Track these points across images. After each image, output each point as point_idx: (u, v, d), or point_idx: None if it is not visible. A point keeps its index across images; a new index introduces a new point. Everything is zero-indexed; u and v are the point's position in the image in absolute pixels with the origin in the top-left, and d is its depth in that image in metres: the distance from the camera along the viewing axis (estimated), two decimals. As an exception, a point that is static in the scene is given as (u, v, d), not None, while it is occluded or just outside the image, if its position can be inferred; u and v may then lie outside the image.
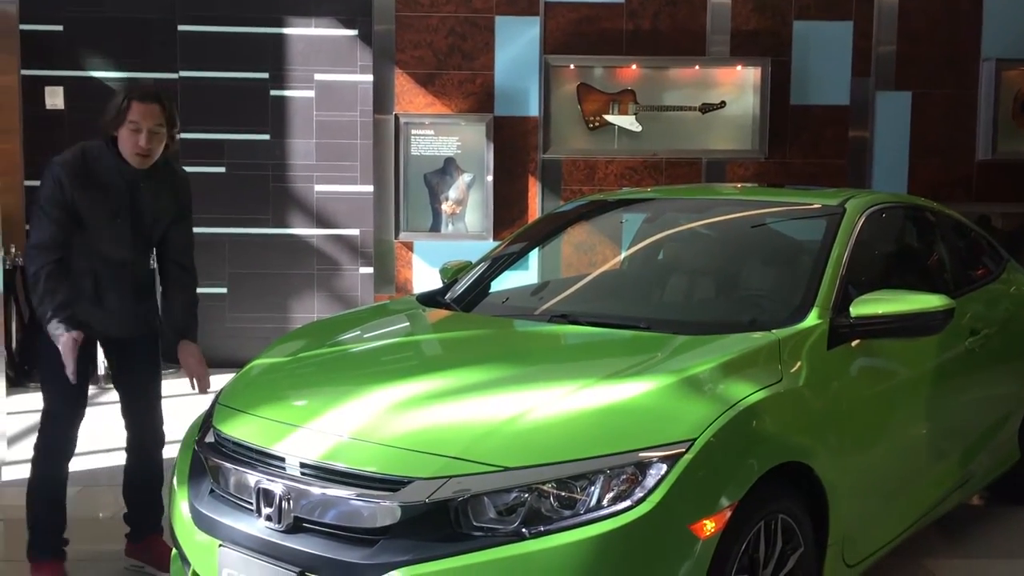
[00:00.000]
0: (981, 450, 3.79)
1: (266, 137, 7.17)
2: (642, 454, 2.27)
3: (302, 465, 2.42)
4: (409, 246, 7.15)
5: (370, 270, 7.20)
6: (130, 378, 3.48)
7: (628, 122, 7.04)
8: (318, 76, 7.15)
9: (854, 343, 2.96)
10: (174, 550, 2.86)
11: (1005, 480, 4.20)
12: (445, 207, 7.20)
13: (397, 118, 7.03)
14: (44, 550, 3.31)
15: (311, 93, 7.16)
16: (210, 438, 2.75)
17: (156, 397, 3.56)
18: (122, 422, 3.50)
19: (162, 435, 3.58)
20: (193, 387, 3.42)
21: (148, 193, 3.35)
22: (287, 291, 7.27)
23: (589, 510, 2.22)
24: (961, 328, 3.61)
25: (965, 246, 4.23)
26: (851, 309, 2.93)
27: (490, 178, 7.07)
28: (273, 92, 7.13)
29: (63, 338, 3.09)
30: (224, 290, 7.19)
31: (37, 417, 3.31)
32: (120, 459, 3.55)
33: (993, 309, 3.99)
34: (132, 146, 3.22)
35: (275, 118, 7.15)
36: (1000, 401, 3.96)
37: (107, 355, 3.50)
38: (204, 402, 3.10)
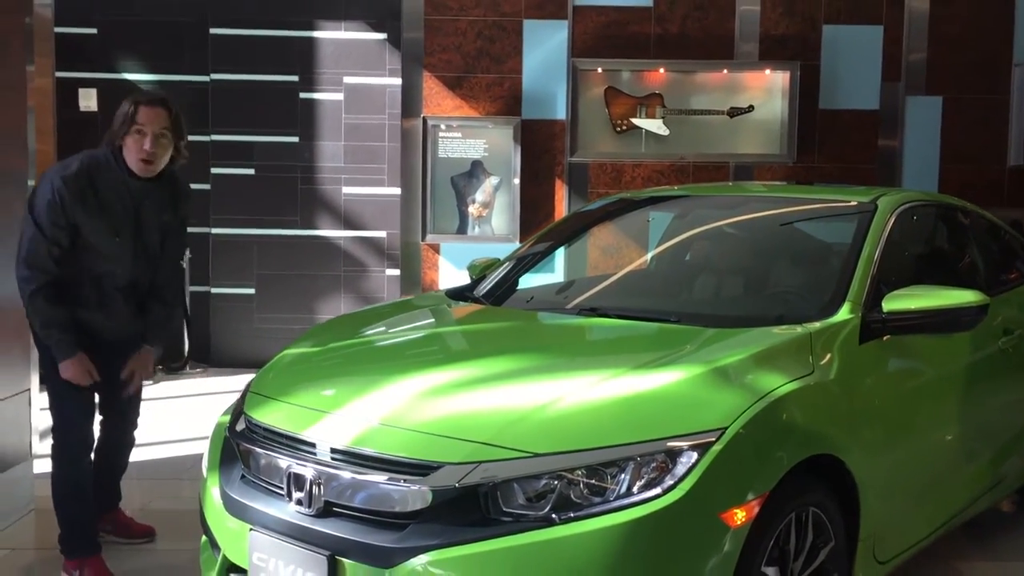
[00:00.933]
0: (1013, 453, 3.75)
1: (295, 139, 7.23)
2: (672, 442, 2.27)
3: (332, 450, 2.44)
4: (436, 248, 7.17)
5: (396, 272, 7.23)
6: (116, 375, 3.43)
7: (655, 126, 7.04)
8: (347, 79, 7.20)
9: (886, 339, 2.94)
10: (203, 538, 2.88)
11: (1038, 484, 4.15)
12: (472, 210, 7.22)
13: (425, 121, 7.07)
14: (78, 546, 3.34)
15: (340, 96, 7.22)
16: (241, 425, 2.77)
17: (137, 397, 3.59)
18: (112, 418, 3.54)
19: (133, 438, 3.63)
20: (122, 387, 3.42)
21: (152, 210, 3.33)
22: (314, 292, 7.31)
23: (619, 497, 2.21)
24: (994, 328, 3.57)
25: (998, 247, 4.19)
26: (883, 304, 2.91)
27: (517, 181, 7.08)
28: (303, 95, 7.19)
29: (72, 365, 3.16)
30: (252, 291, 7.25)
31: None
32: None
33: (1026, 310, 3.95)
34: (137, 151, 3.21)
35: (304, 120, 7.21)
36: (1033, 403, 3.91)
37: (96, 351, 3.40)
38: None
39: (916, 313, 2.88)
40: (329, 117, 7.24)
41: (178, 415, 5.71)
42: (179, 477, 4.49)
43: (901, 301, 2.90)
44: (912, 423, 3.02)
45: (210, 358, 7.20)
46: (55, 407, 3.31)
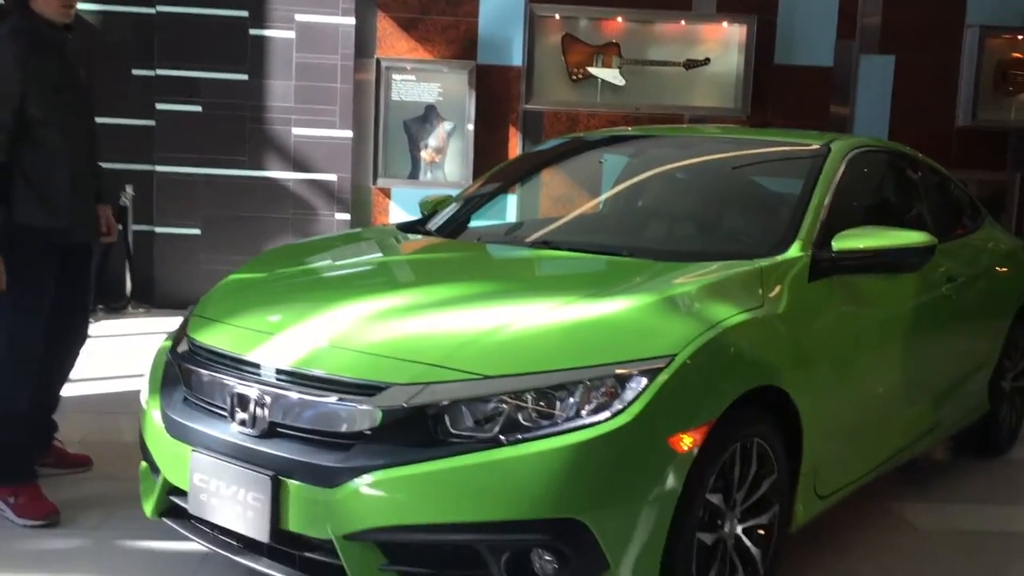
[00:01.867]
0: (952, 398, 3.83)
1: (244, 77, 7.04)
2: (622, 367, 2.26)
3: (278, 371, 2.40)
4: (387, 193, 7.09)
5: (347, 216, 7.13)
6: (68, 291, 3.31)
7: (612, 75, 7.00)
8: (299, 16, 7.02)
9: (835, 277, 2.96)
10: (143, 464, 2.82)
11: (973, 431, 4.26)
12: (424, 155, 7.14)
13: (378, 62, 6.94)
14: (13, 472, 3.24)
15: (291, 34, 7.03)
16: (184, 347, 2.71)
17: (84, 317, 3.49)
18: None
19: (70, 368, 3.52)
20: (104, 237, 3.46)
21: (76, 65, 3.24)
22: (262, 235, 7.17)
23: (567, 420, 2.20)
24: (939, 276, 3.63)
25: (946, 197, 4.25)
26: (833, 243, 2.93)
27: (471, 127, 7.01)
28: (252, 31, 6.99)
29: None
30: (198, 231, 7.09)
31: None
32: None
33: (971, 261, 4.02)
34: None
35: (254, 58, 7.02)
36: (973, 351, 4.00)
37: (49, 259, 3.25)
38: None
39: (865, 252, 2.91)
40: (280, 55, 7.06)
41: (118, 353, 5.59)
42: (118, 411, 4.39)
43: (850, 240, 2.92)
44: (857, 362, 3.06)
45: (153, 299, 7.05)
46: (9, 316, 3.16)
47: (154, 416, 2.66)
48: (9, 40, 3.06)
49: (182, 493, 2.54)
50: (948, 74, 7.18)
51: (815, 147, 3.40)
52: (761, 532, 2.61)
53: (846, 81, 7.16)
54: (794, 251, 2.90)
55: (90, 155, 3.35)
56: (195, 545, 2.74)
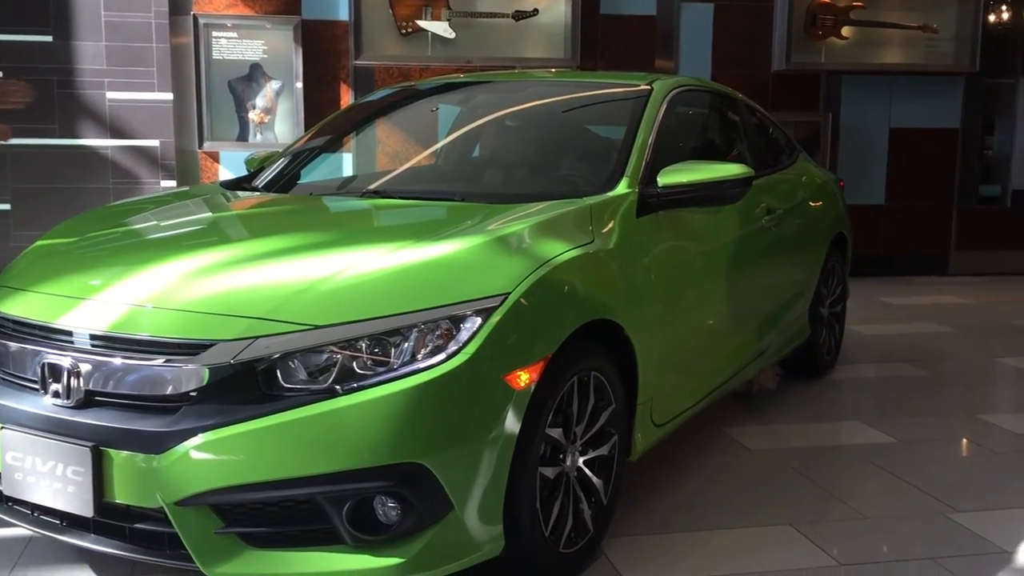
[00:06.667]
0: (775, 326, 4.03)
1: (48, 39, 6.54)
2: (456, 309, 2.24)
3: (92, 337, 2.25)
4: (215, 157, 6.79)
5: (173, 183, 6.78)
6: None
7: (441, 28, 6.92)
8: (105, -28, 6.58)
9: (661, 213, 3.04)
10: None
11: (797, 356, 4.51)
12: (253, 116, 6.88)
13: (196, 19, 6.61)
14: None
15: (98, -10, 6.59)
16: (-13, 320, 2.51)
17: None
18: None
19: None
20: None
21: None
22: (79, 207, 6.72)
23: (403, 365, 2.17)
24: (760, 208, 3.79)
25: (762, 134, 4.44)
26: (658, 179, 3.00)
27: (300, 85, 6.80)
28: (54, -12, 6.51)
29: None
30: (7, 207, 6.59)
31: None
32: None
33: (787, 195, 4.22)
34: None
35: (58, 17, 6.53)
36: (792, 281, 4.21)
37: None
38: None
39: (688, 186, 3.00)
40: (86, 14, 6.59)
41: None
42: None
43: (674, 175, 3.00)
44: (686, 294, 3.16)
45: (-39, 281, 6.53)
46: None
47: (-42, 395, 2.45)
48: None
49: (-6, 475, 2.36)
50: (763, 20, 7.48)
51: (638, 87, 3.47)
52: (602, 462, 2.67)
53: (669, 29, 7.35)
54: (621, 188, 2.96)
55: None
56: (17, 529, 2.56)
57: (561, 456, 2.51)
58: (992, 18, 8.12)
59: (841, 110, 7.74)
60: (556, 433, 2.45)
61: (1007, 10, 8.19)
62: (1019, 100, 8.24)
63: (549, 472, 2.44)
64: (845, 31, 7.53)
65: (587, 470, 2.61)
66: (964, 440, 3.86)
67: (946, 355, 5.30)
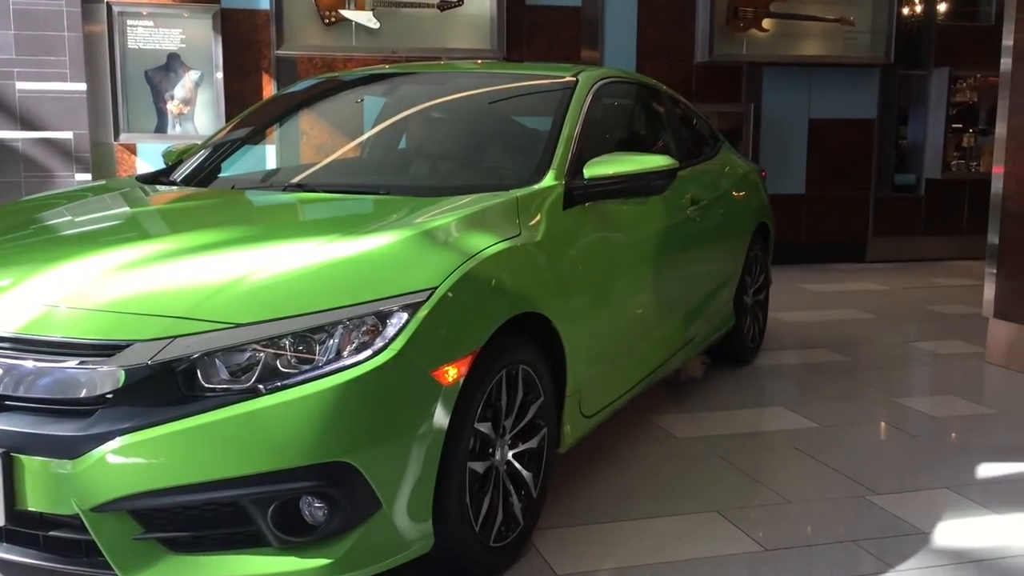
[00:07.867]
0: (701, 315, 4.08)
1: (-49, 26, 6.28)
2: (382, 304, 2.21)
3: (1, 339, 2.15)
4: (131, 149, 6.60)
5: (88, 176, 6.58)
6: None
7: (365, 18, 6.83)
8: (12, -43, 6.33)
9: (588, 205, 3.04)
10: None
11: (722, 344, 4.58)
12: (171, 107, 6.70)
13: (109, 7, 6.40)
14: None
15: (4, -24, 6.34)
16: None
17: None
18: None
19: None
20: None
21: None
22: (-11, 201, 6.50)
23: (329, 363, 2.13)
24: (685, 199, 3.83)
25: (687, 125, 4.49)
26: (584, 171, 3.01)
27: (220, 75, 6.64)
28: (-44, -27, 6.24)
29: None
30: (-90, 202, 6.31)
31: None
32: None
33: (711, 185, 4.28)
34: None
35: (-39, 4, 6.27)
36: (717, 270, 4.27)
37: None
38: None
39: (614, 178, 3.01)
40: (-7, 1, 6.35)
41: None
42: None
43: (599, 167, 3.01)
44: (613, 285, 3.18)
45: None
46: None
47: None
48: None
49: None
50: (687, 12, 7.56)
51: (564, 79, 3.47)
52: (530, 455, 2.67)
53: (595, 20, 7.38)
54: (548, 180, 2.95)
55: None
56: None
57: (490, 450, 2.50)
58: (906, 11, 8.35)
59: (762, 101, 7.88)
60: (485, 427, 2.44)
61: (920, 3, 8.43)
62: (931, 91, 8.51)
63: (478, 467, 2.43)
64: (766, 23, 7.67)
65: (517, 463, 2.60)
66: (883, 424, 3.96)
67: (865, 341, 5.45)
